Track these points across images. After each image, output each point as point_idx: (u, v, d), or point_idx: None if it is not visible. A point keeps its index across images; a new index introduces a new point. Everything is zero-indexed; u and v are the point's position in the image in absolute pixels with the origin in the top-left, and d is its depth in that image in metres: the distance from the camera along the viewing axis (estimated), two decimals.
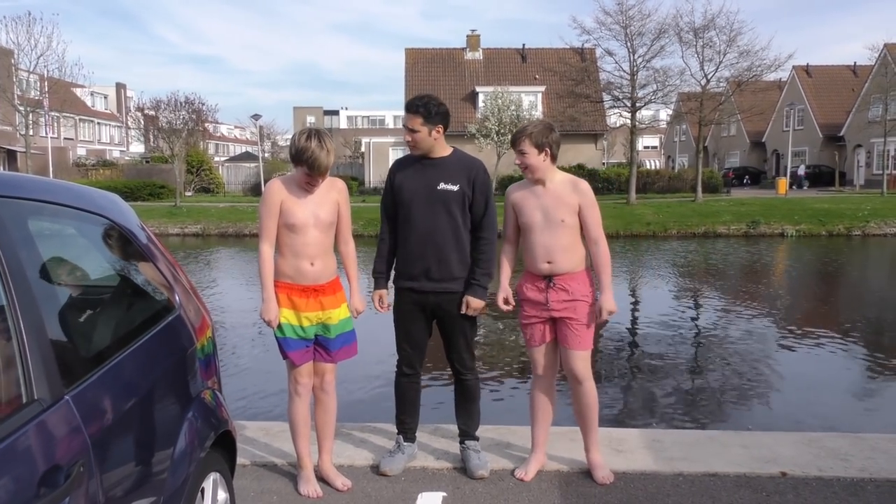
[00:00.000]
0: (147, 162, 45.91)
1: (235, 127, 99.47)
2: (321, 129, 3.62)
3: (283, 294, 3.62)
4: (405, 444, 4.13)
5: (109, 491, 1.86)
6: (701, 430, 5.69)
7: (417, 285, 3.92)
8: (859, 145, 45.93)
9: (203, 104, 38.25)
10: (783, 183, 38.15)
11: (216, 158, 60.77)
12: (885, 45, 43.63)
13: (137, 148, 64.56)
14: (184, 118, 36.48)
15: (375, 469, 4.10)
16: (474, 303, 3.88)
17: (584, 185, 3.91)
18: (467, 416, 4.11)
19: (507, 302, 3.96)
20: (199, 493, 2.48)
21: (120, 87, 73.48)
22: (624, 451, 4.34)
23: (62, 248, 2.21)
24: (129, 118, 53.96)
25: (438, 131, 3.81)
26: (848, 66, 52.48)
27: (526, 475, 3.94)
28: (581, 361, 3.86)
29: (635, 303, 13.71)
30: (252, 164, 46.17)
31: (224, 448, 2.81)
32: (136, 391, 2.17)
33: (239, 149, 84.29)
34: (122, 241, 2.49)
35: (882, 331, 10.79)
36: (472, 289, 3.89)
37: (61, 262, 2.15)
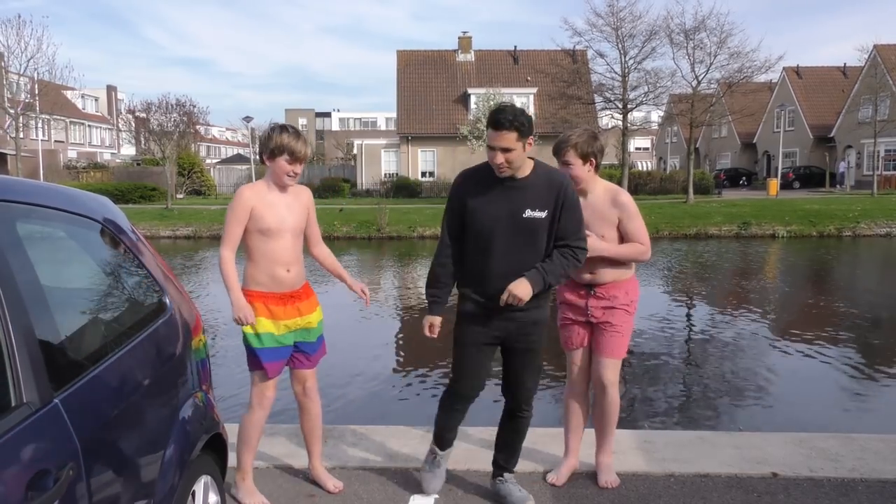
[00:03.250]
0: (138, 164, 45.76)
1: (227, 129, 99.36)
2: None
3: (259, 303, 3.47)
4: (442, 453, 3.79)
5: (99, 494, 1.85)
6: (692, 430, 5.70)
7: (490, 312, 3.43)
8: (850, 146, 46.17)
9: (194, 106, 38.20)
10: (774, 184, 38.32)
11: (208, 161, 60.67)
12: (875, 47, 43.87)
13: (128, 150, 64.35)
14: (175, 120, 36.39)
15: (366, 470, 4.09)
16: (518, 289, 3.27)
17: (624, 198, 3.74)
18: (511, 453, 3.79)
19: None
20: (190, 496, 2.48)
21: (111, 89, 73.26)
22: (616, 451, 4.34)
23: (52, 251, 2.20)
24: (119, 121, 53.75)
25: (530, 145, 3.31)
26: (838, 67, 52.73)
27: (558, 480, 3.91)
28: (612, 369, 3.81)
29: None
30: (244, 167, 46.10)
31: (215, 451, 2.80)
32: (127, 394, 2.16)
33: (230, 151, 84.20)
34: (113, 244, 2.49)
35: (872, 332, 10.84)
36: (528, 275, 3.31)
37: (51, 266, 2.14)
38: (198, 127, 44.98)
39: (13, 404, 1.66)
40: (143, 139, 41.60)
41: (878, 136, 37.55)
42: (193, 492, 2.51)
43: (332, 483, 3.85)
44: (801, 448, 4.36)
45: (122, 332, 2.32)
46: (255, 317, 3.44)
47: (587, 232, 3.56)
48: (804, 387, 7.82)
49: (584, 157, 3.65)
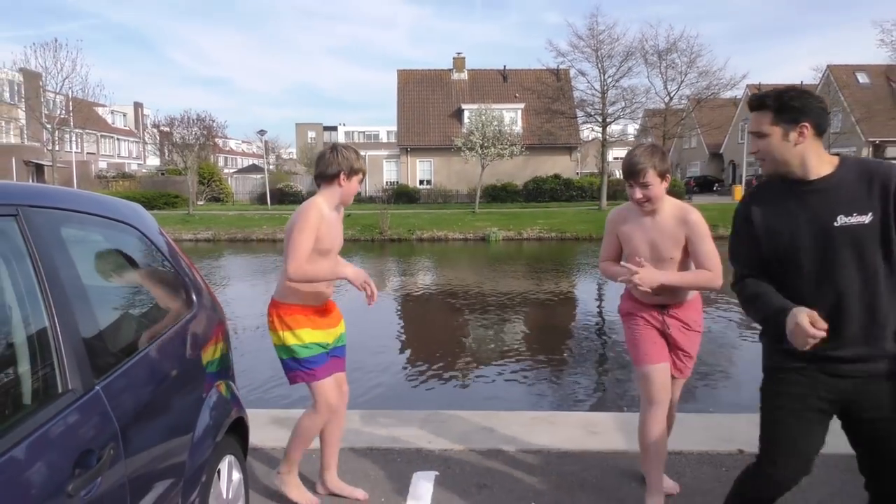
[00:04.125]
0: (162, 174, 45.62)
1: (243, 142, 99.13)
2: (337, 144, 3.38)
3: (302, 315, 3.20)
4: None
5: (136, 472, 1.86)
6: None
7: (818, 366, 2.28)
8: None
9: (213, 121, 38.10)
10: (738, 190, 38.46)
11: (225, 170, 60.47)
12: (828, 67, 44.07)
13: (153, 161, 64.15)
14: (196, 134, 36.32)
15: (373, 450, 4.10)
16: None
17: (694, 216, 3.12)
18: None
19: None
20: (216, 474, 2.49)
21: (137, 105, 73.06)
22: (598, 432, 4.38)
23: (91, 253, 2.21)
24: (145, 134, 53.68)
25: (803, 133, 2.22)
26: (795, 85, 52.86)
27: None
28: (680, 389, 3.47)
29: (604, 298, 13.77)
30: (258, 176, 45.99)
31: (237, 434, 2.81)
32: (159, 382, 2.17)
33: (246, 161, 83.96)
34: (145, 246, 2.50)
35: None
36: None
37: (90, 266, 2.15)
38: (216, 140, 44.90)
39: (60, 391, 1.68)
40: (166, 151, 41.53)
41: (832, 147, 37.69)
42: (219, 470, 2.52)
43: (360, 492, 3.50)
44: None
45: (155, 326, 2.33)
46: (300, 326, 3.21)
47: (639, 259, 3.06)
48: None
49: (662, 175, 3.09)
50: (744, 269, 2.40)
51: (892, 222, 2.16)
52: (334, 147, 3.27)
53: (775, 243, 2.30)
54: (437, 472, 3.79)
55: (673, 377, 3.31)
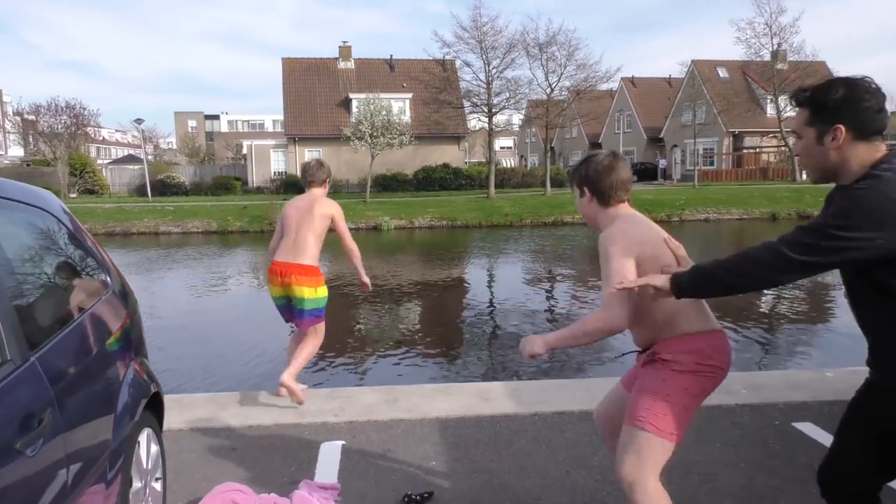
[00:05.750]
0: (28, 165, 42.46)
1: (117, 130, 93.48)
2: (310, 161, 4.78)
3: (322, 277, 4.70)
4: None
5: (71, 438, 1.99)
6: (551, 380, 6.21)
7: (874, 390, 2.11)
8: (676, 145, 49.54)
9: (84, 109, 35.94)
10: None
11: (99, 161, 56.99)
12: (693, 62, 47.28)
13: (16, 152, 59.42)
14: (65, 122, 34.13)
15: (281, 426, 4.28)
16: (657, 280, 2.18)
17: (603, 235, 2.41)
18: None
19: None
20: (136, 445, 2.62)
21: None
22: (490, 399, 4.75)
23: (13, 235, 2.27)
24: (6, 122, 49.56)
25: (836, 136, 1.94)
26: (664, 78, 56.31)
27: None
28: (631, 450, 2.41)
29: (494, 281, 14.37)
30: (136, 167, 43.73)
31: (153, 409, 2.93)
32: (84, 356, 2.29)
33: (121, 152, 79.40)
34: (63, 231, 2.57)
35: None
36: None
37: (16, 249, 2.22)
38: (88, 129, 42.25)
39: (1, 361, 1.79)
40: (31, 140, 38.68)
41: (697, 137, 40.60)
42: (139, 442, 2.65)
43: (301, 395, 4.60)
44: None
45: (76, 305, 2.43)
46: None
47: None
48: None
49: (580, 187, 2.58)
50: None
51: None
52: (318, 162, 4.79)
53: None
54: (343, 442, 4.02)
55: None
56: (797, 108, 2.04)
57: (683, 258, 2.41)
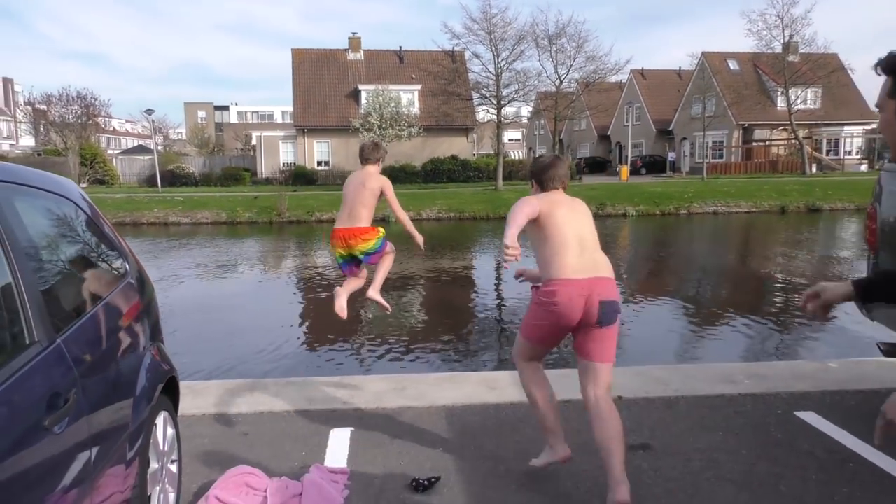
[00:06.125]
0: (39, 155, 42.72)
1: (127, 121, 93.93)
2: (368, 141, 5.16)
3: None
4: None
5: (94, 419, 2.08)
6: (556, 369, 6.27)
7: None
8: (685, 138, 49.34)
9: (95, 99, 36.15)
10: (625, 170, 40.58)
11: (109, 151, 57.31)
12: (703, 54, 47.00)
13: (28, 141, 59.80)
14: (76, 112, 34.33)
15: (291, 413, 4.37)
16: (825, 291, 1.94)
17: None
18: None
19: None
20: (154, 427, 2.71)
21: (7, 81, 67.58)
22: (496, 388, 4.83)
23: (39, 222, 2.36)
24: (18, 112, 49.87)
25: None
26: (674, 70, 56.01)
27: None
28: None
29: (502, 274, 14.44)
30: (146, 157, 43.95)
31: (169, 393, 3.02)
32: (106, 339, 2.38)
33: (131, 142, 79.81)
34: (83, 218, 2.66)
35: (700, 287, 11.98)
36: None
37: (41, 235, 2.31)
38: (99, 119, 42.48)
39: (28, 343, 1.88)
40: (42, 130, 38.95)
41: (706, 130, 40.41)
42: (156, 424, 2.74)
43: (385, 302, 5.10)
44: (640, 377, 5.00)
45: (98, 290, 2.52)
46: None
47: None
48: (648, 329, 8.65)
49: (529, 179, 3.56)
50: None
51: None
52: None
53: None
54: (352, 428, 4.11)
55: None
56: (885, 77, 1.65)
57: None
